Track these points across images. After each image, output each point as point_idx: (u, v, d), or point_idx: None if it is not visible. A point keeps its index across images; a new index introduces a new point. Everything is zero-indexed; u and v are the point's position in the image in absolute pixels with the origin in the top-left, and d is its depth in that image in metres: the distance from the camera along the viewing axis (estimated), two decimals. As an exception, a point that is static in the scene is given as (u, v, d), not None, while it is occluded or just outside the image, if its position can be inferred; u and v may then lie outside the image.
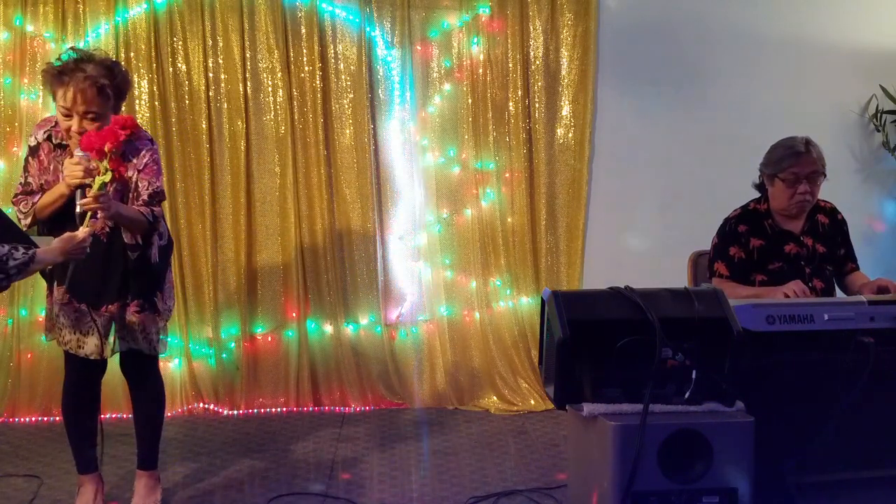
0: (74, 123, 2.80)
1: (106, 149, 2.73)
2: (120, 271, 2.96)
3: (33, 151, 2.95)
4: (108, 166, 2.74)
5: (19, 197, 2.95)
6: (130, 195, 2.95)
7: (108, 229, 2.94)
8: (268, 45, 4.36)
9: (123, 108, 3.03)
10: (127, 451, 3.71)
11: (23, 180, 2.96)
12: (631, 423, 2.30)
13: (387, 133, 4.49)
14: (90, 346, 2.98)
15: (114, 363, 3.24)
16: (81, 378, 3.09)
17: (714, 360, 2.42)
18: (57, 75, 2.79)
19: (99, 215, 2.76)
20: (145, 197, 2.94)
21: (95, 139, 2.73)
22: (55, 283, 2.98)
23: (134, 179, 2.94)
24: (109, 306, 2.98)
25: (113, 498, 3.29)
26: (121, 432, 3.94)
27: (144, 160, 2.95)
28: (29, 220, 2.91)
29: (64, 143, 2.91)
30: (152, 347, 3.08)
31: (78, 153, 2.75)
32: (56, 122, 2.91)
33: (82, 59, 2.80)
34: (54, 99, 2.84)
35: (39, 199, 2.89)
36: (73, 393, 3.09)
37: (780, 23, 4.56)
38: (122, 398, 4.21)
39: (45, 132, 2.94)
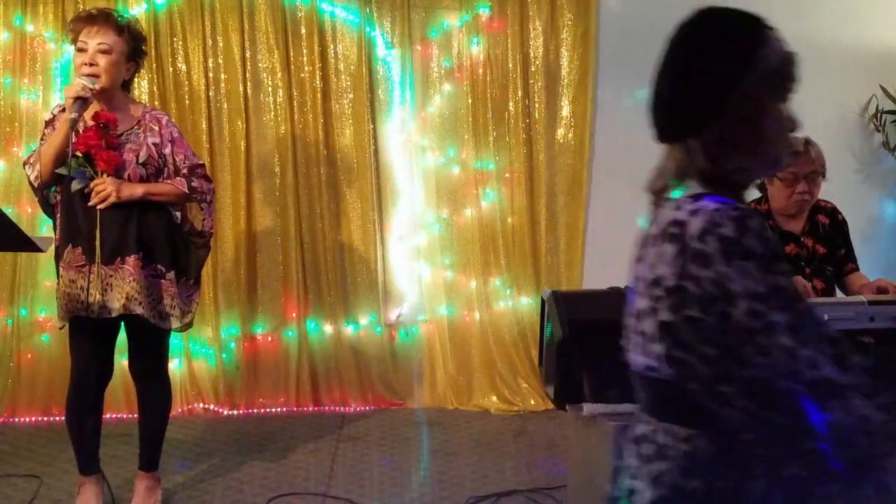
0: (87, 55, 2.91)
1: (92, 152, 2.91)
2: (135, 227, 2.97)
3: (48, 123, 3.05)
4: (94, 168, 2.91)
5: (30, 154, 3.05)
6: (167, 168, 3.05)
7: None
8: (268, 45, 4.36)
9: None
10: (127, 451, 3.72)
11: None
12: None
13: (387, 133, 4.49)
14: (112, 301, 2.94)
15: (117, 364, 3.24)
16: (87, 381, 3.08)
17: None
18: (87, 17, 2.99)
19: (110, 200, 2.89)
20: (185, 171, 3.06)
21: (83, 139, 2.89)
22: (69, 247, 2.98)
23: (169, 152, 3.05)
24: (126, 259, 2.96)
25: (112, 498, 3.28)
26: (121, 432, 3.95)
27: (170, 130, 3.08)
28: (34, 173, 2.96)
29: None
30: (161, 318, 3.03)
31: (80, 78, 2.89)
32: None
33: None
34: (74, 43, 2.99)
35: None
36: (78, 394, 3.09)
37: (780, 23, 4.49)
38: (122, 398, 4.21)
39: (59, 107, 3.05)
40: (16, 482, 3.49)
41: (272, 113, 4.40)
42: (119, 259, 2.96)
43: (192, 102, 4.35)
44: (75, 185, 2.91)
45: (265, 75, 4.38)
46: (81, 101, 2.85)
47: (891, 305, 2.64)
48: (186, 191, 3.03)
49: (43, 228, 4.27)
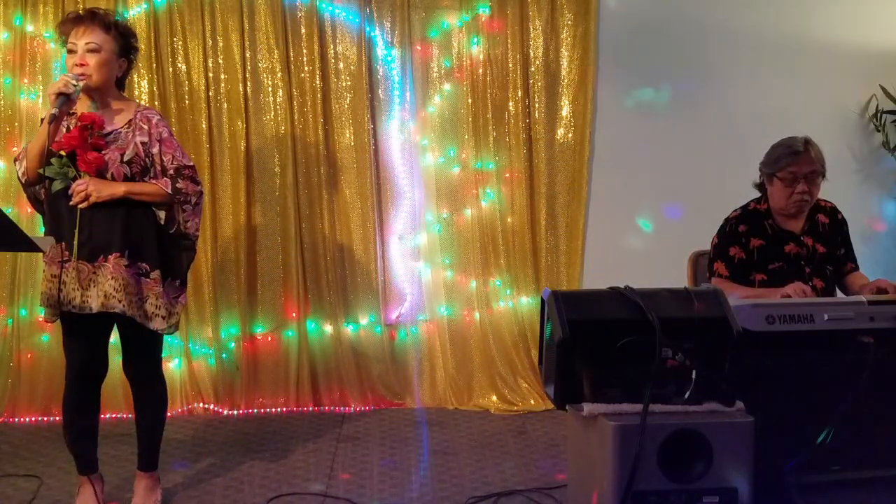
0: (77, 55, 2.95)
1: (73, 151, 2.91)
2: (120, 225, 2.96)
3: (42, 121, 3.03)
4: (76, 168, 2.92)
5: (20, 151, 3.04)
6: (155, 168, 3.04)
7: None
8: (268, 45, 4.37)
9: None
10: (127, 451, 3.72)
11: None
12: (631, 423, 2.31)
13: (387, 133, 4.49)
14: (94, 298, 2.93)
15: (115, 364, 3.24)
16: (82, 378, 3.08)
17: (714, 360, 2.42)
18: (75, 18, 3.01)
19: (90, 200, 2.90)
20: (171, 172, 3.04)
21: (67, 140, 2.91)
22: (53, 243, 2.98)
23: (156, 152, 3.03)
24: (108, 257, 2.95)
25: (113, 498, 3.29)
26: (121, 432, 3.95)
27: (160, 130, 3.06)
28: (21, 168, 2.98)
29: (72, 111, 3.00)
30: (147, 318, 3.00)
31: (67, 74, 2.92)
32: None
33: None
34: (65, 45, 3.01)
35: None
36: (74, 393, 3.08)
37: (780, 23, 4.56)
38: (121, 398, 4.21)
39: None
40: (16, 482, 3.49)
41: (272, 113, 4.41)
42: (101, 257, 2.95)
43: (192, 102, 4.35)
44: (57, 185, 2.93)
45: (265, 75, 4.38)
46: (64, 98, 2.85)
47: (891, 305, 2.64)
48: (170, 191, 3.01)
49: (43, 228, 4.26)
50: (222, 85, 4.36)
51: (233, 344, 4.46)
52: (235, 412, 4.41)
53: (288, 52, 4.36)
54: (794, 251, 3.26)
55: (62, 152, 2.91)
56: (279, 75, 4.36)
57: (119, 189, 2.93)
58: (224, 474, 3.58)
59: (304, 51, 4.38)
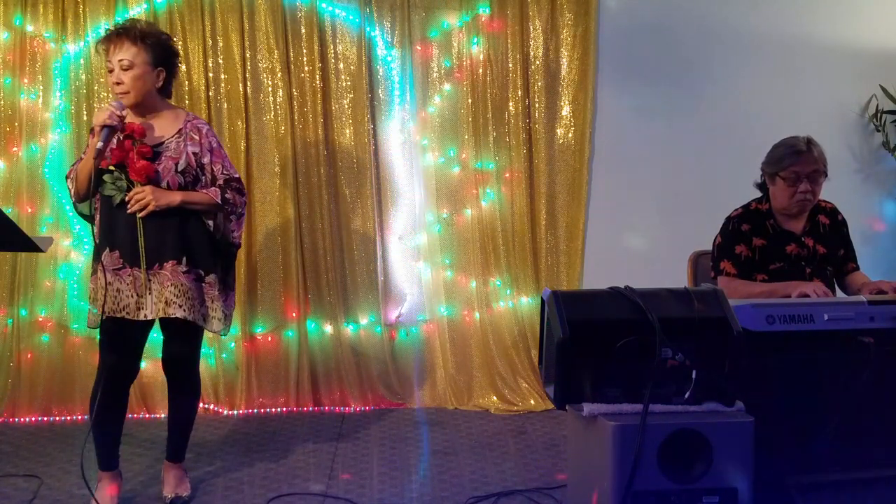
0: (114, 74, 2.99)
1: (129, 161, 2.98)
2: (174, 233, 3.02)
3: (93, 132, 3.05)
4: (128, 179, 2.99)
5: (70, 169, 3.11)
6: (205, 177, 3.11)
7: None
8: (268, 45, 4.37)
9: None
10: (127, 451, 3.71)
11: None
12: (631, 423, 2.31)
13: (387, 133, 4.49)
14: (149, 305, 3.01)
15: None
16: (114, 379, 3.10)
17: (714, 360, 2.42)
18: (107, 36, 3.04)
19: (149, 208, 2.96)
20: (221, 182, 3.12)
21: (114, 154, 2.97)
22: (106, 250, 3.03)
23: (207, 162, 3.10)
24: (163, 265, 3.02)
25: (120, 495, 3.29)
26: (124, 432, 3.94)
27: (210, 140, 3.14)
28: (73, 187, 3.06)
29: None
30: (206, 321, 3.11)
31: (111, 102, 2.98)
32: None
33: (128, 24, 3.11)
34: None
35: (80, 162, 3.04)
36: (104, 392, 3.09)
37: (780, 23, 4.56)
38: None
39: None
40: (16, 482, 3.49)
41: (272, 113, 4.41)
42: (157, 265, 3.02)
43: (192, 102, 4.35)
44: (117, 199, 2.99)
45: (265, 75, 4.39)
46: (109, 129, 2.90)
47: (891, 305, 2.64)
48: (219, 201, 3.08)
49: (43, 228, 4.27)
50: (222, 85, 4.36)
51: (233, 344, 4.46)
52: (235, 412, 4.41)
53: (288, 52, 4.36)
54: (795, 251, 3.26)
55: (111, 167, 2.96)
56: (279, 75, 4.36)
57: (176, 198, 3.00)
58: (224, 474, 3.58)
59: (304, 51, 4.38)
